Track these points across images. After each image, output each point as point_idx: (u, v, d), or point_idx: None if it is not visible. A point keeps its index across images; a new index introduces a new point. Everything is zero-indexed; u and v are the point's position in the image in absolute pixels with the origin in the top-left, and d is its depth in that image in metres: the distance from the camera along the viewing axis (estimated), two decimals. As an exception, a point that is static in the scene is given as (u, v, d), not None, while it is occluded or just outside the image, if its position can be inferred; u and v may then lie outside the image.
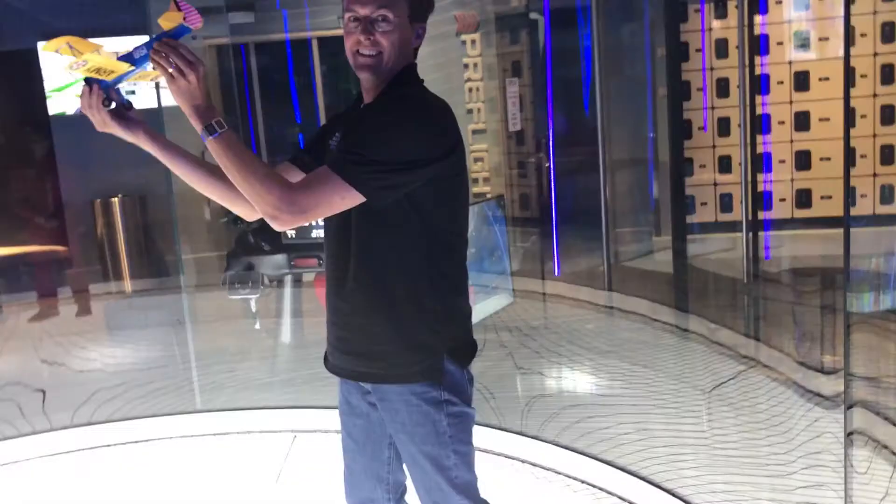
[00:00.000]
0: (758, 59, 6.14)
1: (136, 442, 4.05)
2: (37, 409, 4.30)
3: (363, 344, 1.91)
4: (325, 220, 1.89)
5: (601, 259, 5.95)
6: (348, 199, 1.72)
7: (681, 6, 6.44)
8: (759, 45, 6.31)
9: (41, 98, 7.18)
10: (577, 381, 4.39)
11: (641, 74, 6.62)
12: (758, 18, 6.24)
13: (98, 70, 1.80)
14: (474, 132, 7.43)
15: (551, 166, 6.04)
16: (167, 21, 1.72)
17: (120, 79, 1.85)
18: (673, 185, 5.90)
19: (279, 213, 1.68)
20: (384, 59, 1.84)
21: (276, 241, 4.26)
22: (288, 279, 4.58)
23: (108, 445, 4.04)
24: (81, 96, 1.84)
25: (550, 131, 5.98)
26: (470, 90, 7.38)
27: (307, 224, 4.18)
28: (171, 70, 1.65)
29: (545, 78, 6.23)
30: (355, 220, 1.82)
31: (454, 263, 1.93)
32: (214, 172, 1.91)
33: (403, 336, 1.86)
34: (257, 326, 4.47)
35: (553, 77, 6.38)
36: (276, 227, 1.75)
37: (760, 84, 6.33)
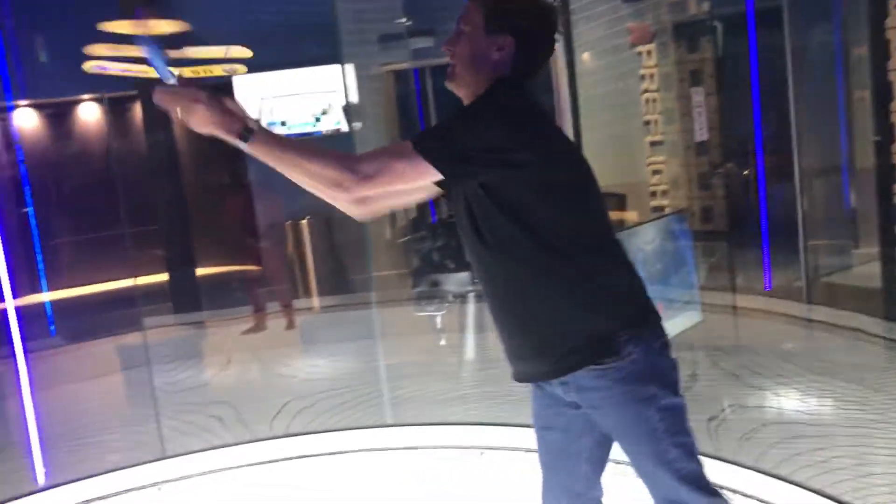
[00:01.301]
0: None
1: (331, 454, 4.20)
2: (237, 419, 4.56)
3: (540, 343, 1.89)
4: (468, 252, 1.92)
5: (799, 272, 5.60)
6: (415, 168, 1.71)
7: (882, 1, 5.99)
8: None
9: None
10: (780, 400, 4.13)
11: (833, 77, 6.20)
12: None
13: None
14: (652, 144, 7.24)
15: (760, 175, 5.76)
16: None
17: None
18: (879, 192, 5.46)
19: (343, 182, 1.68)
20: (455, 70, 1.88)
21: (460, 259, 4.31)
22: (471, 296, 4.62)
23: (304, 457, 4.21)
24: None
25: (758, 139, 5.70)
26: (647, 101, 7.21)
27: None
28: (178, 113, 1.74)
29: (747, 83, 5.93)
30: (480, 251, 1.84)
31: (588, 247, 1.87)
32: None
33: (572, 326, 1.84)
34: (443, 343, 4.54)
35: (742, 83, 6.10)
36: (348, 204, 1.74)
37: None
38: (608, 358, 1.81)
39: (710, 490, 1.90)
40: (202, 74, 2.37)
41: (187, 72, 2.34)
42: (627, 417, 1.85)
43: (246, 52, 2.26)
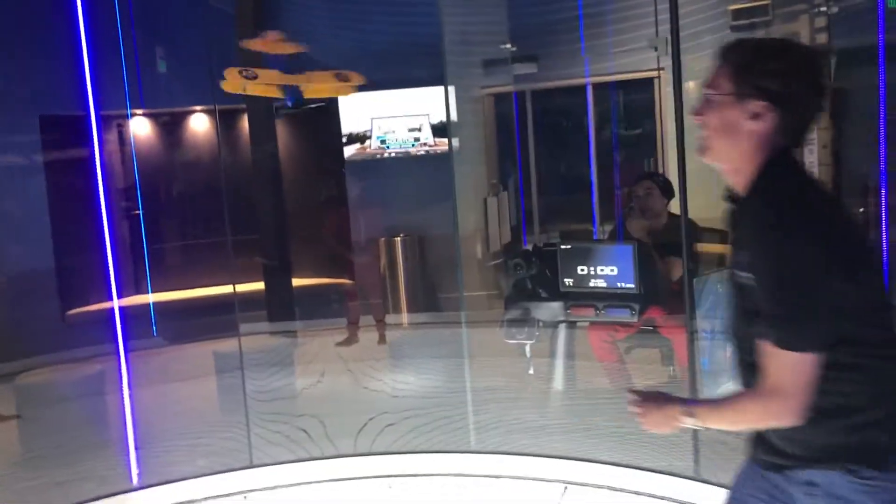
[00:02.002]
0: None
1: (413, 475, 4.20)
2: (324, 433, 4.61)
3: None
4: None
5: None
6: (811, 359, 1.62)
7: None
8: None
9: (338, 144, 7.91)
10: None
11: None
12: None
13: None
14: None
15: (883, 211, 5.44)
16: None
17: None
18: None
19: (778, 418, 1.66)
20: (708, 142, 1.74)
21: (553, 288, 4.26)
22: (562, 325, 4.56)
23: (386, 476, 4.23)
24: None
25: (883, 176, 5.41)
26: (753, 133, 7.01)
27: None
28: (639, 417, 1.85)
29: (860, 116, 5.66)
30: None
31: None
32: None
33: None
34: (531, 371, 4.49)
35: (851, 120, 5.85)
36: (795, 419, 1.66)
37: None
38: (868, 469, 1.66)
39: None
40: (322, 95, 2.54)
41: (309, 92, 2.49)
42: None
43: (360, 79, 2.38)
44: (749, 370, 1.77)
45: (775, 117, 1.67)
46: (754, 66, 1.68)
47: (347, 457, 4.36)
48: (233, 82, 2.52)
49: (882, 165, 5.35)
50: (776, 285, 1.63)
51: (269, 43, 2.47)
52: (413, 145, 7.75)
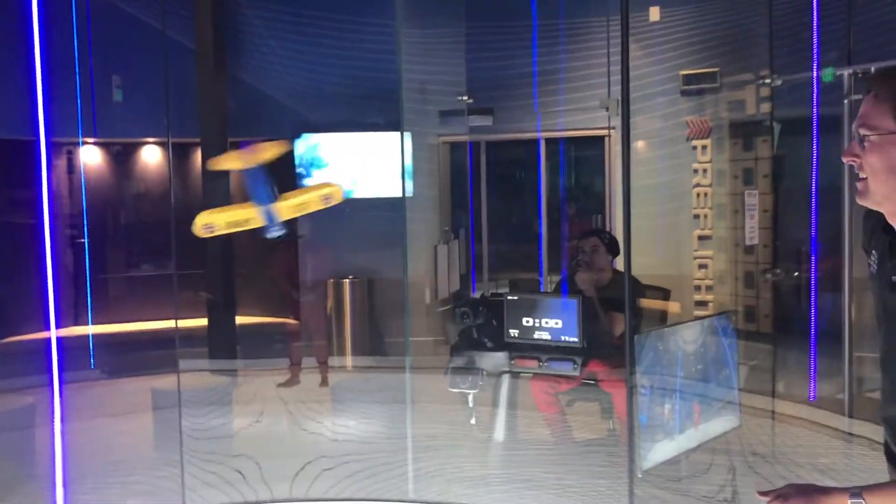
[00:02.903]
0: None
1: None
2: (259, 476, 4.54)
3: None
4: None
5: (842, 384, 5.47)
6: None
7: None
8: None
9: (292, 182, 7.90)
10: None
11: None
12: None
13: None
14: (700, 238, 7.22)
15: (812, 280, 5.67)
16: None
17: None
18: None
19: None
20: (869, 185, 1.56)
21: (498, 339, 4.30)
22: (506, 376, 4.59)
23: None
24: None
25: (813, 242, 5.62)
26: (698, 195, 7.23)
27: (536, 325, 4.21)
28: None
29: (799, 186, 5.88)
30: None
31: None
32: None
33: None
34: (473, 421, 4.50)
35: (789, 187, 6.09)
36: None
37: None
38: None
39: None
40: (304, 211, 2.51)
41: (287, 211, 2.48)
42: None
43: (339, 191, 2.38)
44: None
45: None
46: None
47: (283, 502, 4.29)
48: (205, 220, 2.51)
49: (813, 233, 5.56)
50: None
51: (249, 153, 2.41)
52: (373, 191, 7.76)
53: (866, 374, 5.73)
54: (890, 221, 1.61)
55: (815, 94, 5.51)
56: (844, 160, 1.60)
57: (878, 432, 5.00)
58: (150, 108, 7.24)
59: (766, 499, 1.67)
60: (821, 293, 5.88)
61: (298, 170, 7.76)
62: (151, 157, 8.56)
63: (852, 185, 5.51)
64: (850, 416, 5.31)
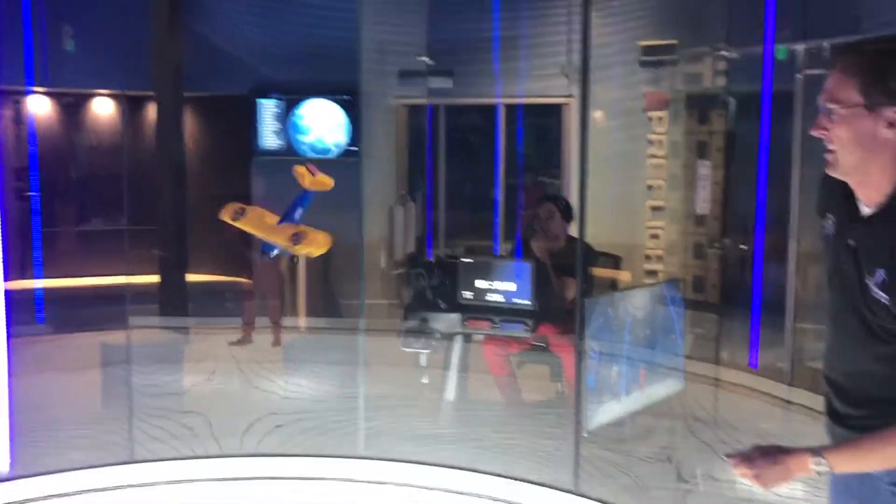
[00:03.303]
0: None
1: (299, 479, 4.19)
2: (209, 432, 4.55)
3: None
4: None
5: (784, 353, 5.65)
6: None
7: None
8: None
9: (248, 141, 7.82)
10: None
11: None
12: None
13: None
14: (653, 209, 7.33)
15: (757, 252, 5.80)
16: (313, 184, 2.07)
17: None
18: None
19: None
20: (837, 158, 1.62)
21: (452, 300, 4.35)
22: (458, 337, 4.65)
23: (271, 478, 4.21)
24: None
25: (760, 216, 5.75)
26: (652, 167, 7.31)
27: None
28: (752, 479, 1.71)
29: (751, 160, 5.99)
30: (860, 332, 1.69)
31: None
32: None
33: None
34: (425, 381, 4.56)
35: (750, 159, 6.18)
36: None
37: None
38: None
39: None
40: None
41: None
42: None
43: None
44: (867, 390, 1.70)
45: None
46: (886, 72, 1.56)
47: (232, 457, 4.31)
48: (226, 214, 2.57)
49: (759, 206, 5.69)
50: None
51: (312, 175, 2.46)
52: (329, 152, 7.70)
53: (808, 345, 5.92)
54: (856, 190, 1.67)
55: (766, 69, 5.60)
56: (813, 133, 1.65)
57: (815, 400, 5.21)
58: (102, 59, 7.08)
59: (734, 461, 1.76)
60: (767, 266, 6.03)
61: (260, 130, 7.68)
62: (103, 109, 8.37)
63: (804, 161, 5.63)
64: (791, 385, 5.49)
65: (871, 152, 1.59)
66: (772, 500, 3.70)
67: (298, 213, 2.28)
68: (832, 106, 1.60)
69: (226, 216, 2.50)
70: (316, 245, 2.38)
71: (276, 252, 2.55)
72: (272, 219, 2.41)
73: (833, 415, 1.83)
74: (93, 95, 8.27)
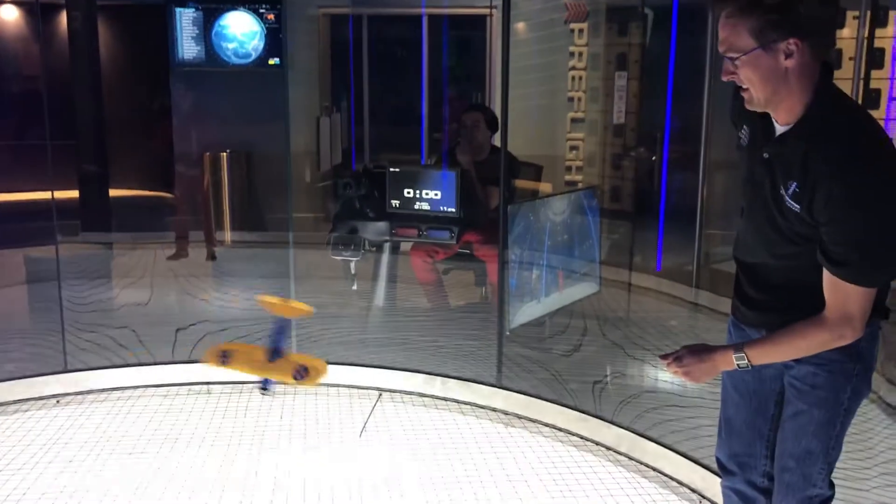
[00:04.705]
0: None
1: (232, 382, 4.33)
2: (139, 342, 4.63)
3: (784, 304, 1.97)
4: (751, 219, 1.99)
5: (692, 258, 5.98)
6: (873, 292, 1.81)
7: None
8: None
9: (165, 51, 7.60)
10: (658, 372, 4.48)
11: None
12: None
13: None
14: (573, 120, 7.50)
15: (664, 162, 6.04)
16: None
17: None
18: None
19: (844, 337, 1.84)
20: (752, 95, 1.79)
21: (380, 209, 4.46)
22: (387, 246, 4.79)
23: (201, 383, 4.34)
24: None
25: (667, 127, 5.97)
26: (573, 78, 7.45)
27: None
28: (683, 376, 1.98)
29: (665, 73, 6.17)
30: (770, 236, 1.92)
31: None
32: None
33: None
34: (354, 287, 4.70)
35: (657, 73, 6.37)
36: (853, 340, 1.86)
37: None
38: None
39: (831, 484, 2.04)
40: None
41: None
42: (822, 380, 1.94)
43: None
44: (767, 289, 1.98)
45: (805, 45, 1.71)
46: (769, 9, 1.69)
47: (164, 364, 4.42)
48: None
49: (667, 116, 5.92)
50: (862, 234, 1.73)
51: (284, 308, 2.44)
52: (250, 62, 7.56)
53: (714, 249, 6.27)
54: (774, 118, 1.85)
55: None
56: (724, 79, 1.82)
57: (718, 301, 5.55)
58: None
59: (665, 361, 2.02)
60: (678, 174, 6.31)
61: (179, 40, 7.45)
62: (10, 15, 7.98)
63: (714, 73, 5.80)
64: (697, 287, 5.85)
65: (779, 83, 1.74)
66: (667, 388, 4.04)
67: (283, 342, 2.37)
68: (731, 55, 1.76)
69: (211, 363, 2.53)
70: (320, 377, 2.47)
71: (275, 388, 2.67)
72: (260, 353, 2.44)
73: (741, 296, 2.11)
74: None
